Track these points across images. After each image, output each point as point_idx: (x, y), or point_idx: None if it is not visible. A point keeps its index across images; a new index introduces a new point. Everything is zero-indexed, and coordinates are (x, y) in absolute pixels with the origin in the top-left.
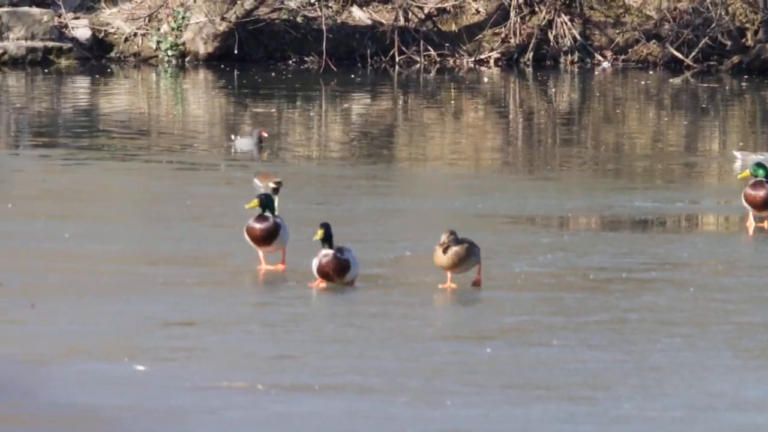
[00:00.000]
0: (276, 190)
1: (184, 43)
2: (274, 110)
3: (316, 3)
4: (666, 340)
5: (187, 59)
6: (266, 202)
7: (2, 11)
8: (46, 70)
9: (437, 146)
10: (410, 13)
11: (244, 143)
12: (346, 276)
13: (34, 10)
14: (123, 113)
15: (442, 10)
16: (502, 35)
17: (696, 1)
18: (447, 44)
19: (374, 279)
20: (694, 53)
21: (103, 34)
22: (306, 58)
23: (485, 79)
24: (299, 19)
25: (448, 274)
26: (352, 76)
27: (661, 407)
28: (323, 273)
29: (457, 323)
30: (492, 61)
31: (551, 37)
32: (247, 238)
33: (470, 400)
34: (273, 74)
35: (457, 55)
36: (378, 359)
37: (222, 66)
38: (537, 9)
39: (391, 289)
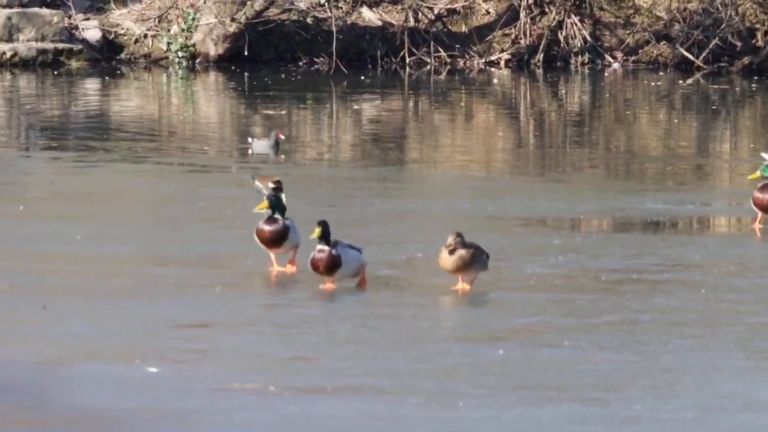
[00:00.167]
0: (276, 189)
1: (194, 45)
2: (284, 112)
3: (326, 4)
4: (677, 341)
5: (197, 60)
6: (276, 204)
7: (12, 12)
8: (56, 72)
9: (448, 148)
10: (420, 14)
11: (261, 145)
12: (336, 273)
13: (44, 11)
14: (134, 115)
15: (452, 11)
16: (513, 36)
17: (706, 1)
18: (457, 45)
19: (386, 281)
20: (704, 54)
21: (113, 36)
22: (316, 60)
23: (495, 80)
24: (309, 20)
25: (459, 276)
26: (362, 77)
27: (672, 408)
28: (313, 267)
29: (469, 325)
30: (502, 62)
31: (561, 38)
32: (257, 240)
33: (482, 402)
34: (283, 75)
35: (467, 56)
36: (390, 361)
37: (232, 67)
38: (547, 10)
39: (403, 290)
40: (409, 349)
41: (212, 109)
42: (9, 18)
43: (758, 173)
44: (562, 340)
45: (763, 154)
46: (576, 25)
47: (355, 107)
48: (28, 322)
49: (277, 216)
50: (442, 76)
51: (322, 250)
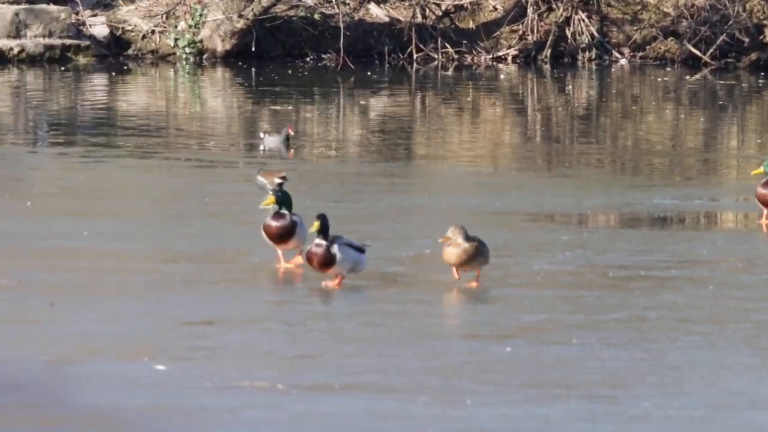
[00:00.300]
0: (281, 186)
1: (201, 41)
2: (291, 108)
3: (334, 0)
4: (685, 338)
5: (204, 56)
6: (283, 199)
7: (20, 9)
8: (63, 68)
9: (455, 143)
10: (428, 10)
11: (272, 141)
12: (330, 270)
13: (52, 7)
14: (141, 111)
15: (459, 7)
16: (520, 32)
17: None
18: (464, 41)
19: (393, 277)
20: (711, 50)
21: (120, 32)
22: (323, 56)
23: (502, 76)
24: (317, 17)
25: (458, 270)
26: (370, 73)
27: (680, 405)
28: (308, 261)
29: (476, 322)
30: (510, 58)
31: (569, 34)
32: (264, 236)
33: (490, 399)
34: (290, 71)
35: (474, 53)
36: (397, 358)
37: (239, 63)
38: (554, 6)
39: (410, 287)
40: (416, 346)
41: (219, 105)
42: (16, 14)
43: (761, 169)
44: (569, 337)
45: None
46: (583, 21)
47: (363, 103)
48: (36, 319)
49: (285, 211)
50: (450, 72)
51: (319, 245)
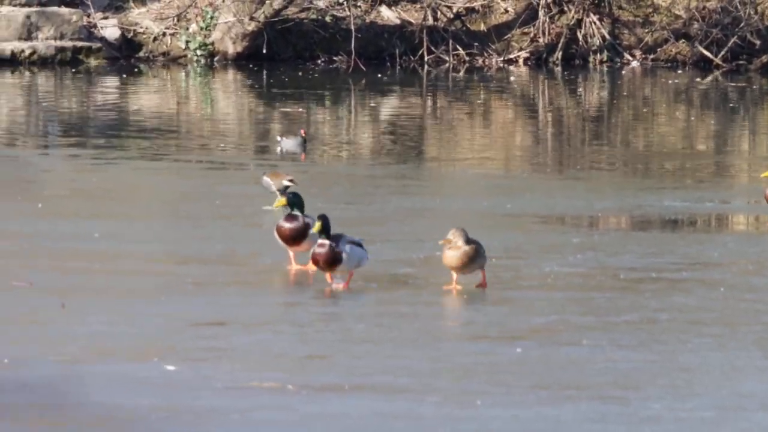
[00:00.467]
0: (288, 188)
1: (212, 43)
2: (302, 110)
3: (345, 2)
4: (696, 340)
5: (215, 59)
6: (295, 201)
7: (31, 11)
8: (74, 70)
9: (466, 146)
10: (439, 13)
11: (290, 143)
12: (338, 268)
13: (63, 10)
14: (152, 113)
15: (470, 10)
16: (531, 35)
17: (725, 0)
18: (476, 44)
19: (403, 279)
20: (723, 52)
21: (131, 34)
22: (335, 58)
23: (512, 78)
24: (328, 19)
25: (454, 275)
26: (381, 75)
27: (691, 407)
28: (314, 262)
29: (487, 323)
30: (521, 61)
31: (580, 37)
32: (277, 237)
33: (500, 401)
34: (301, 74)
35: (486, 55)
36: (408, 359)
37: (251, 66)
38: (566, 8)
39: (421, 289)
40: (426, 347)
41: (230, 107)
42: (28, 17)
43: None
44: (580, 339)
45: None
46: (595, 23)
47: (374, 105)
48: (47, 320)
49: (297, 213)
50: (461, 75)
51: (322, 245)
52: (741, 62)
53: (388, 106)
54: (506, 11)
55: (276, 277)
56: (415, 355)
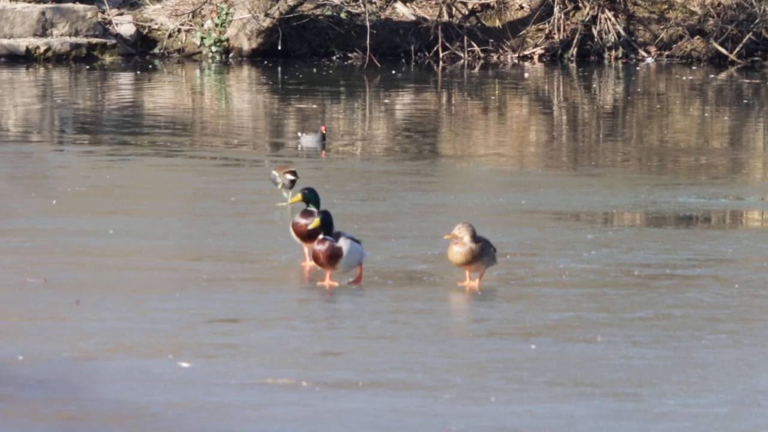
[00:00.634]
0: (293, 182)
1: (227, 39)
2: (316, 106)
3: None
4: (710, 336)
5: (230, 55)
6: (310, 197)
7: (46, 8)
8: (89, 66)
9: (481, 142)
10: (454, 9)
11: (309, 140)
12: (338, 264)
13: (78, 6)
14: (167, 109)
15: (485, 6)
16: (546, 31)
17: None
18: (491, 40)
19: (419, 275)
20: (738, 49)
21: (146, 30)
22: (350, 54)
23: (526, 75)
24: (343, 15)
25: (467, 272)
26: (396, 72)
27: (705, 404)
28: (315, 259)
29: (502, 319)
30: (536, 57)
31: (595, 33)
32: (292, 233)
33: (515, 397)
34: (316, 70)
35: (501, 51)
36: (423, 355)
37: (266, 62)
38: (581, 5)
39: (436, 285)
40: (441, 343)
41: (245, 104)
42: (43, 13)
43: None
44: (595, 335)
45: None
46: (610, 20)
47: (389, 101)
48: (61, 316)
49: (312, 208)
50: (476, 71)
51: (322, 242)
52: (756, 58)
53: (403, 102)
54: (521, 7)
55: (291, 273)
56: (430, 352)
